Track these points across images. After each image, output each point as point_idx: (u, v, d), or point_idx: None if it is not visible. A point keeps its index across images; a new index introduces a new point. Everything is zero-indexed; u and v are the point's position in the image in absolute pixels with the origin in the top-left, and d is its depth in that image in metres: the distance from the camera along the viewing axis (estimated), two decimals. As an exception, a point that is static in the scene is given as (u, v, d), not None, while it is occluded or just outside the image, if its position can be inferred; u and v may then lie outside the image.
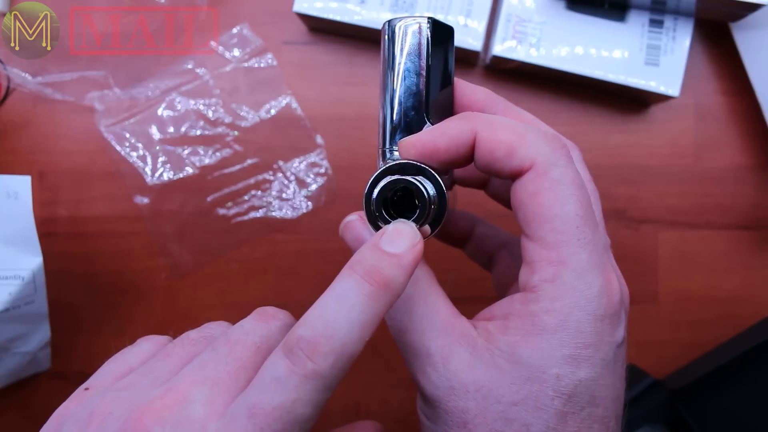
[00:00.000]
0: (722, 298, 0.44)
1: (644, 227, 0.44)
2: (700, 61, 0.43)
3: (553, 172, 0.20)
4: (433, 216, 0.21)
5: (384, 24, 0.23)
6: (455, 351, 0.20)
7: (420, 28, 0.22)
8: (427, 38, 0.22)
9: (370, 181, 0.21)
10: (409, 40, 0.22)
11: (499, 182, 0.27)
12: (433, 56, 0.22)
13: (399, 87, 0.22)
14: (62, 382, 0.43)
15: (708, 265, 0.44)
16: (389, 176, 0.21)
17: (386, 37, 0.23)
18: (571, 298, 0.19)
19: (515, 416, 0.19)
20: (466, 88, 0.24)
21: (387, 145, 0.23)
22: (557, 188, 0.20)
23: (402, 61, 0.22)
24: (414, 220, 0.21)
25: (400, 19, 0.23)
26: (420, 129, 0.22)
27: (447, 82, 0.24)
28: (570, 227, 0.20)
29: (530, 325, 0.19)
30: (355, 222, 0.23)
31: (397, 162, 0.21)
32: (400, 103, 0.22)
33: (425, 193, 0.21)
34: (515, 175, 0.20)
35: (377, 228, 0.21)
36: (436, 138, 0.21)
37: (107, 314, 0.44)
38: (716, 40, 0.43)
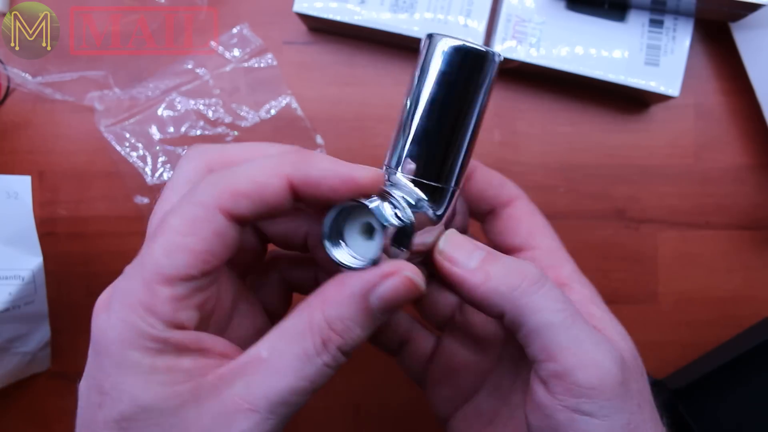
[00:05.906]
0: (722, 298, 0.44)
1: (644, 227, 0.44)
2: (700, 61, 0.43)
3: (528, 205, 0.26)
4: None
5: (437, 43, 0.20)
6: None
7: (486, 60, 0.20)
8: (491, 78, 0.20)
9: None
10: (474, 76, 0.20)
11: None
12: (484, 98, 0.20)
13: (426, 119, 0.21)
14: (62, 382, 0.43)
15: (708, 265, 0.44)
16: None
17: (429, 52, 0.20)
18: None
19: None
20: (483, 171, 0.27)
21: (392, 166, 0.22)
22: (536, 217, 0.26)
23: (448, 93, 0.20)
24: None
25: (465, 45, 0.20)
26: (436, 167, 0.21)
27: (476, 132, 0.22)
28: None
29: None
30: None
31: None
32: (421, 131, 0.21)
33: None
34: (505, 204, 0.26)
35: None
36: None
37: (107, 314, 0.44)
38: (716, 40, 0.43)
